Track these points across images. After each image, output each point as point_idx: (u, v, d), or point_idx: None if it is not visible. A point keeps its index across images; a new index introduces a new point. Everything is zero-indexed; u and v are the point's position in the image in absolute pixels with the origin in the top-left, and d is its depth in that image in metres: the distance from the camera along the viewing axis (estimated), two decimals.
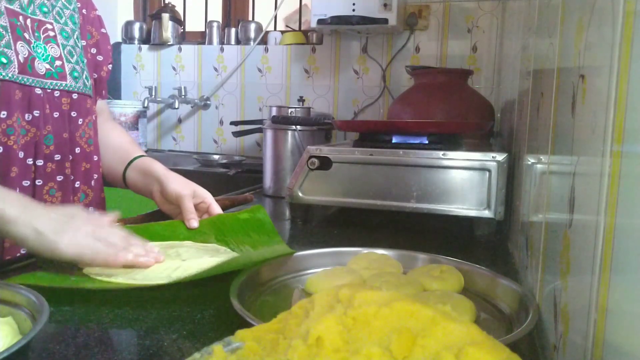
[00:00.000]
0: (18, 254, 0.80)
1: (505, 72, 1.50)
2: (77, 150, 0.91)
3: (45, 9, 0.88)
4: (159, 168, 0.91)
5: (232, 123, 1.87)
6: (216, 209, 0.87)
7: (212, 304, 0.59)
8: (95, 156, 0.95)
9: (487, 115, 1.48)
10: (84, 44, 0.95)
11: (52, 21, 0.88)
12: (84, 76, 0.92)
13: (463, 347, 0.31)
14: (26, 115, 0.81)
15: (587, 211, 0.37)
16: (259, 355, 0.36)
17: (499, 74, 1.79)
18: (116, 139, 1.01)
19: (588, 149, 0.38)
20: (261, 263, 0.65)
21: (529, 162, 0.72)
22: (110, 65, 1.02)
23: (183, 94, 2.21)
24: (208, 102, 2.27)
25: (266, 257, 0.67)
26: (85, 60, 0.94)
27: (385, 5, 1.73)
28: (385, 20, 1.74)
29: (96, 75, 0.98)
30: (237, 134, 1.72)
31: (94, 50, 0.98)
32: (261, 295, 0.61)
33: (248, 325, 0.43)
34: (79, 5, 0.96)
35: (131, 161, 0.95)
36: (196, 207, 0.86)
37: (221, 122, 2.25)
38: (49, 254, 0.61)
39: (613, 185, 0.32)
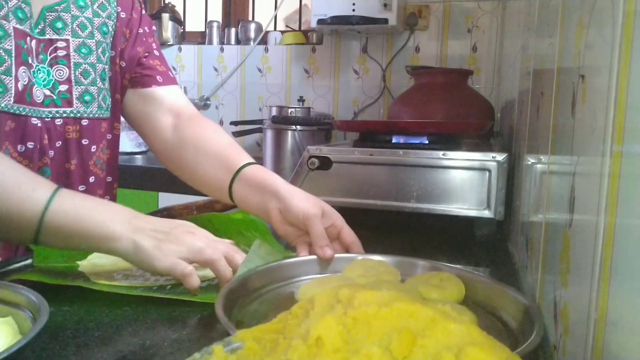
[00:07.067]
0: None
1: (505, 72, 1.50)
2: (92, 179, 0.84)
3: (60, 25, 0.78)
4: (276, 180, 0.74)
5: (232, 123, 1.87)
6: (349, 235, 0.70)
7: (212, 304, 0.59)
8: (109, 177, 0.88)
9: (487, 115, 1.48)
10: (113, 54, 0.86)
11: (68, 37, 0.79)
12: (100, 98, 0.83)
13: (463, 347, 0.31)
14: (19, 147, 0.74)
15: (587, 211, 0.37)
16: (259, 355, 0.36)
17: (499, 74, 1.79)
18: (214, 142, 0.83)
19: (588, 149, 0.38)
20: (262, 265, 0.64)
21: (529, 162, 0.72)
22: (156, 51, 0.91)
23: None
24: (208, 102, 2.27)
25: (266, 258, 0.65)
26: (109, 76, 0.85)
27: (385, 5, 1.74)
28: (385, 20, 1.74)
29: (140, 69, 0.88)
30: (237, 134, 1.72)
31: (123, 46, 0.87)
32: (250, 303, 0.57)
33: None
34: (119, 10, 0.86)
35: (238, 171, 0.77)
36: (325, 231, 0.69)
37: (221, 122, 2.25)
38: (146, 268, 0.61)
39: (613, 185, 0.32)
